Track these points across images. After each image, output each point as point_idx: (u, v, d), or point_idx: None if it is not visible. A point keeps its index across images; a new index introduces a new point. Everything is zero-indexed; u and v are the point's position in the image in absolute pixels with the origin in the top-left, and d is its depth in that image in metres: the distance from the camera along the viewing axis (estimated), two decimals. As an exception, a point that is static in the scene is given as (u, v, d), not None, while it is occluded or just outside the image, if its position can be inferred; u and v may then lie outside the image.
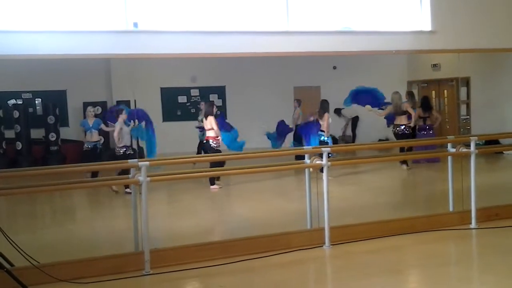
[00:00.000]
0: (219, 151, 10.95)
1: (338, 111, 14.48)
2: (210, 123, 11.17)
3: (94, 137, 11.91)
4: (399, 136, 12.44)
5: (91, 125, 11.85)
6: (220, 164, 9.45)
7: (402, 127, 12.53)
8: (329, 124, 11.97)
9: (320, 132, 12.11)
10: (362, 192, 11.37)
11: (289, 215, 8.68)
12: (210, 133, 11.18)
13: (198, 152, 12.46)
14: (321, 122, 12.09)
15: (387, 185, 11.92)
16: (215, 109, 11.35)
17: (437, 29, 8.98)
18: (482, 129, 12.59)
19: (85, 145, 11.90)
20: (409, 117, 12.56)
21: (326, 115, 11.97)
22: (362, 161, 11.28)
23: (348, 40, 8.87)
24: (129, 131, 10.92)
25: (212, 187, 11.09)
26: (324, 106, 12.21)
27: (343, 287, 5.69)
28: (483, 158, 12.19)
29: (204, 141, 11.30)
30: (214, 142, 11.09)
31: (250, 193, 11.17)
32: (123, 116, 10.86)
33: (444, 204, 7.98)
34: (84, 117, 12.44)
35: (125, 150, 10.77)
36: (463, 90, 13.95)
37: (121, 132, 10.76)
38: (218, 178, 11.08)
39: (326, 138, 11.95)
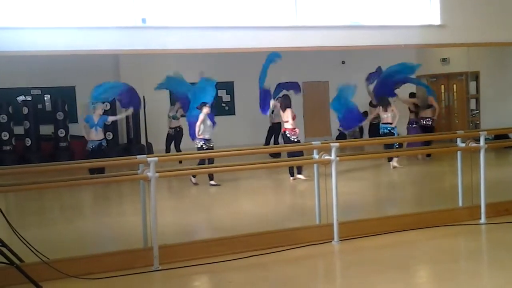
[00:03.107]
0: (299, 142, 11.10)
1: None
2: (287, 115, 11.25)
3: (99, 135, 11.71)
4: (423, 128, 13.30)
5: (96, 122, 11.63)
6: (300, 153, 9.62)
7: (428, 119, 13.38)
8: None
9: (386, 125, 12.42)
10: (370, 187, 11.36)
11: (298, 211, 8.69)
12: (287, 125, 11.29)
13: (167, 149, 12.58)
14: (385, 115, 12.44)
15: (395, 180, 11.90)
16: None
17: (447, 23, 8.94)
18: (492, 123, 12.55)
19: (89, 144, 11.62)
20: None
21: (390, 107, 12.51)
22: (370, 156, 11.31)
23: (357, 35, 8.85)
24: (211, 124, 11.01)
25: (299, 176, 11.18)
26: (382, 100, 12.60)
27: (352, 283, 5.68)
28: (493, 152, 12.15)
29: (282, 133, 11.42)
30: (292, 134, 11.17)
31: (258, 188, 11.18)
32: (206, 109, 10.96)
33: (454, 199, 7.94)
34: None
35: (202, 144, 10.81)
36: (472, 85, 13.91)
37: (203, 124, 10.84)
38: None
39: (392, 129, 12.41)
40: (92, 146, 11.56)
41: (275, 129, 13.82)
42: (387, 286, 5.50)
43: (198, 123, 10.82)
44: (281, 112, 11.54)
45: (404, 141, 11.38)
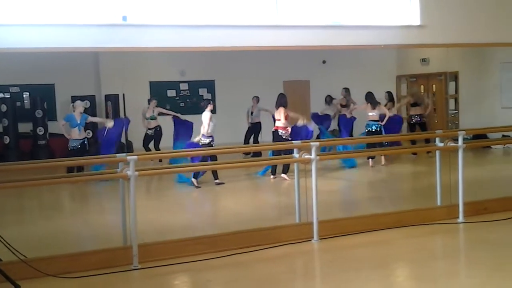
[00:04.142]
0: (289, 140, 11.07)
1: (329, 99, 14.40)
2: (279, 113, 11.28)
3: (82, 133, 11.57)
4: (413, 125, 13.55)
5: (79, 121, 11.50)
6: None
7: (417, 116, 13.57)
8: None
9: (373, 123, 12.57)
10: (350, 186, 11.42)
11: (278, 210, 8.71)
12: (279, 123, 11.31)
13: (146, 150, 12.52)
14: (372, 113, 12.61)
15: (374, 179, 11.96)
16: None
17: (426, 24, 8.99)
18: (470, 123, 12.66)
19: (72, 143, 11.38)
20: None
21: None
22: (351, 155, 11.37)
23: (337, 35, 8.86)
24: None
25: (283, 175, 11.14)
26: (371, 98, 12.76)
27: (331, 281, 5.71)
28: (471, 152, 12.26)
29: (273, 131, 11.40)
30: (283, 132, 11.22)
31: (239, 187, 11.18)
32: (210, 107, 11.00)
33: (432, 198, 8.01)
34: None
35: (210, 141, 10.79)
36: (451, 85, 14.01)
37: (211, 122, 10.87)
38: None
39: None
40: (75, 145, 11.40)
41: (254, 129, 13.83)
42: (365, 284, 5.54)
43: (207, 121, 10.78)
44: (275, 109, 11.52)
45: (384, 140, 11.41)
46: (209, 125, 10.78)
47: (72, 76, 13.72)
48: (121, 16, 8.15)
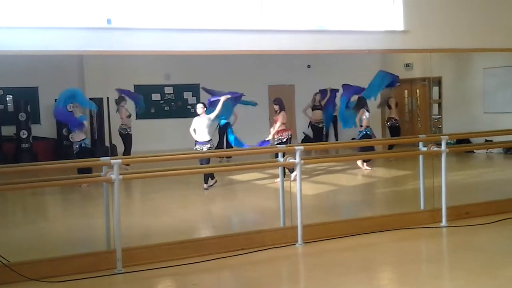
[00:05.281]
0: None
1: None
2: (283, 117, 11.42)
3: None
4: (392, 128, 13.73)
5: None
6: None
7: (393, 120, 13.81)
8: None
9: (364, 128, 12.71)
10: (335, 190, 11.44)
11: (263, 214, 8.71)
12: (282, 127, 11.41)
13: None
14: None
15: (358, 183, 12.00)
16: None
17: (410, 29, 9.06)
18: (454, 128, 12.77)
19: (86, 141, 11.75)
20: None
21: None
22: (336, 159, 11.43)
23: (322, 39, 8.91)
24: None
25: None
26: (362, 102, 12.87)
27: (315, 285, 5.72)
28: (454, 157, 12.37)
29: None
30: (287, 134, 11.40)
31: (224, 191, 11.17)
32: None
33: (415, 202, 8.06)
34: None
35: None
36: (435, 90, 14.14)
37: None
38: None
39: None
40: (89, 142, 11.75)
41: (223, 130, 13.77)
42: (349, 288, 5.57)
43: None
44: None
45: (366, 145, 11.46)
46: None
47: (56, 79, 13.64)
48: (105, 20, 8.14)
